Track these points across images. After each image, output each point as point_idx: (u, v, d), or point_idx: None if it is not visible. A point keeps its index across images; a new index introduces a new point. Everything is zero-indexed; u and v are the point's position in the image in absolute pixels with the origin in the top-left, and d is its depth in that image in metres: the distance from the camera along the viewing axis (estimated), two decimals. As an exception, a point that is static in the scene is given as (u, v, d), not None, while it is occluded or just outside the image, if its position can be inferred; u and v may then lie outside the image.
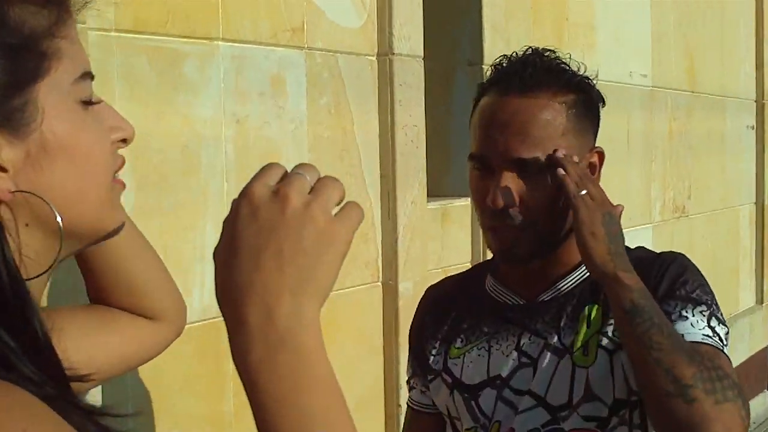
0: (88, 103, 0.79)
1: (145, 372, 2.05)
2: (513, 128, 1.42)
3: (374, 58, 2.73)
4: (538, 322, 1.50)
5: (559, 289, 1.51)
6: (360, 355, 2.78)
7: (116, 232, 0.84)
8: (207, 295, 2.18)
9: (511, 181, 1.42)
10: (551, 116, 1.44)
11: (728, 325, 1.47)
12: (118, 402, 1.99)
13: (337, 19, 2.58)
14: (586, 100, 1.50)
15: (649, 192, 4.71)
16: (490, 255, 3.37)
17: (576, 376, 1.45)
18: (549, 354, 1.47)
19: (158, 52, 2.05)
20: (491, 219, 1.46)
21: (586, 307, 1.48)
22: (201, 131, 2.16)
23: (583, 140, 1.49)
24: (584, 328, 1.47)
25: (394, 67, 2.76)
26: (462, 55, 3.33)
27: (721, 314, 1.46)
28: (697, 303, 1.43)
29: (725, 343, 1.41)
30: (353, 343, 2.74)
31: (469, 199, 3.36)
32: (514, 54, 1.50)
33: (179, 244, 2.11)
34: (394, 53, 2.76)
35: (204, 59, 2.16)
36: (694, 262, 1.52)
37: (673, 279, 1.45)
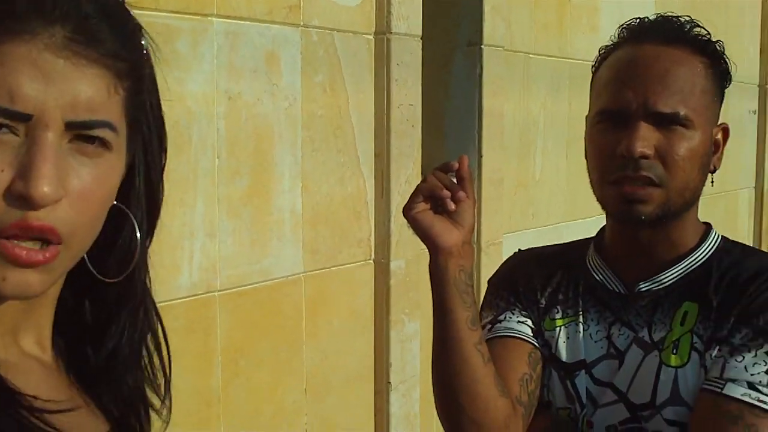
0: None
1: (132, 346, 2.06)
2: (653, 76, 1.32)
3: (371, 37, 2.72)
4: (632, 313, 1.41)
5: (661, 281, 1.40)
6: (351, 332, 2.79)
7: None
8: (196, 272, 2.19)
9: (647, 131, 1.32)
10: (691, 71, 1.34)
11: None
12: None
13: (335, -3, 2.58)
14: (720, 69, 1.40)
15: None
16: (486, 235, 3.40)
17: (662, 375, 1.35)
18: (636, 348, 1.39)
19: (150, 28, 2.03)
20: (620, 169, 1.33)
21: (685, 303, 1.38)
22: (193, 108, 2.15)
23: (714, 108, 1.39)
24: (678, 326, 1.36)
25: (392, 46, 2.75)
26: (461, 36, 3.32)
27: None
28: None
29: None
30: (345, 320, 2.75)
31: (465, 179, 3.37)
32: (645, 17, 1.42)
33: (168, 220, 2.10)
34: (392, 32, 2.75)
35: (197, 35, 2.15)
36: None
37: (765, 301, 1.31)
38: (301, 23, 2.46)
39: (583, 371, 1.43)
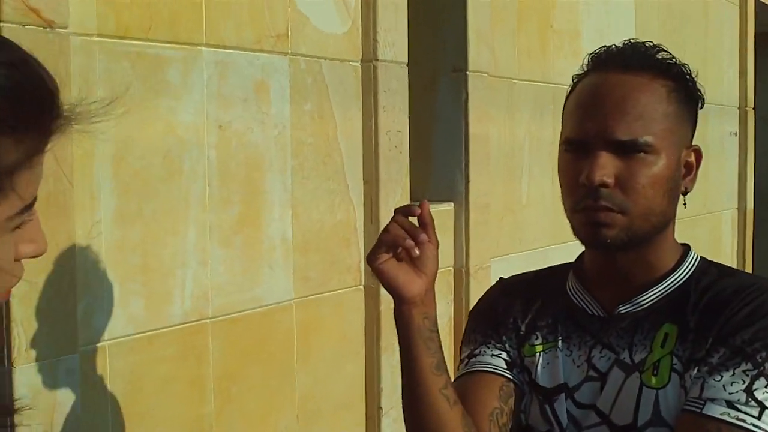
0: (14, 228, 0.80)
1: (123, 375, 2.06)
2: (611, 105, 1.35)
3: (358, 64, 2.75)
4: (612, 335, 1.43)
5: (640, 303, 1.42)
6: (342, 358, 2.80)
7: None
8: (188, 300, 2.19)
9: (607, 160, 1.34)
10: (651, 96, 1.37)
11: None
12: (96, 404, 2.00)
13: (322, 26, 2.60)
14: (686, 90, 1.43)
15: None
16: (474, 260, 3.42)
17: (643, 396, 1.37)
18: (617, 370, 1.41)
19: (141, 58, 2.06)
20: (583, 198, 1.36)
21: (664, 325, 1.39)
22: (184, 137, 2.17)
23: (682, 131, 1.41)
24: (658, 348, 1.38)
25: (379, 73, 2.77)
26: (446, 61, 3.35)
27: None
28: (745, 358, 1.29)
29: None
30: (335, 346, 2.76)
31: (452, 204, 3.40)
32: (612, 45, 1.44)
33: (160, 249, 2.12)
34: (378, 59, 2.77)
35: (187, 64, 2.17)
36: None
37: (741, 320, 1.32)
38: (289, 51, 2.48)
39: (563, 395, 1.45)
